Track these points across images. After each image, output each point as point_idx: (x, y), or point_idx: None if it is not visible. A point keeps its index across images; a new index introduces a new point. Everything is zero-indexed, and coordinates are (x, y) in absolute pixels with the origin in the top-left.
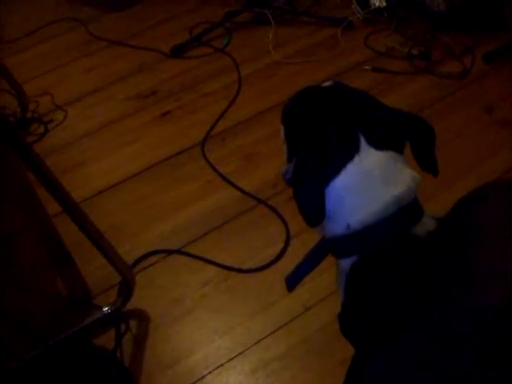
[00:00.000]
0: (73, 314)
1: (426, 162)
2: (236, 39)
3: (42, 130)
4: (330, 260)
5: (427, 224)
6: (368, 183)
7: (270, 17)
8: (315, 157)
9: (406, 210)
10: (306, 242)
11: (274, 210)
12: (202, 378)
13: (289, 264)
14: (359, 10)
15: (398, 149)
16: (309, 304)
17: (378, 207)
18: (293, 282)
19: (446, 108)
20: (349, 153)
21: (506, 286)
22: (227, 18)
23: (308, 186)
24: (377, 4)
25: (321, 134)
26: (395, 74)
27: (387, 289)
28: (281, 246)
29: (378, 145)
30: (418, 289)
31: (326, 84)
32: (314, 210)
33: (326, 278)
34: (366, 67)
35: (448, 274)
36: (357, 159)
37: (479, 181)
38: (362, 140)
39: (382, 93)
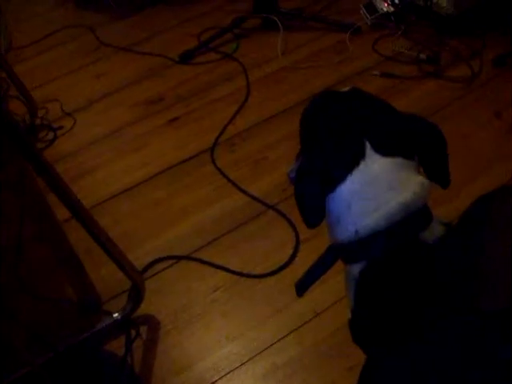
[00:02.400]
0: (83, 320)
1: (436, 173)
2: (244, 45)
3: (51, 136)
4: (341, 264)
5: (436, 230)
6: (373, 189)
7: (279, 22)
8: (319, 159)
9: (414, 217)
10: (315, 247)
11: (283, 215)
12: (213, 383)
13: (299, 269)
14: (367, 15)
15: (409, 155)
16: (319, 309)
17: (384, 213)
18: (302, 287)
19: (455, 112)
20: (354, 159)
21: None
22: (235, 24)
23: (309, 186)
24: (385, 9)
25: (327, 139)
26: (404, 79)
27: (396, 294)
28: (290, 251)
29: (385, 151)
30: (426, 294)
31: (345, 89)
32: (312, 210)
33: (337, 283)
34: (375, 72)
35: (458, 279)
36: (362, 165)
37: (488, 185)
38: (368, 147)
39: (391, 97)
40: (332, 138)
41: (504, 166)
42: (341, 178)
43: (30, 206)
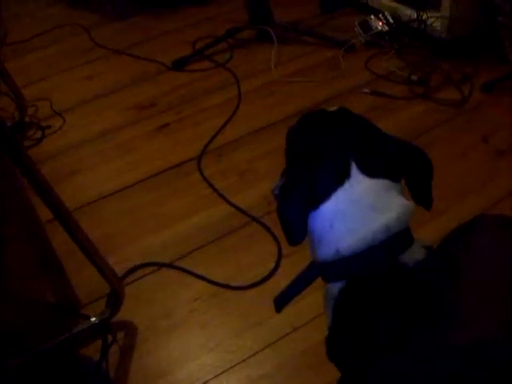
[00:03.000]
0: (60, 322)
1: (420, 195)
2: (238, 55)
3: (39, 135)
4: (321, 281)
5: (416, 253)
6: (357, 210)
7: (273, 35)
8: (304, 177)
9: (396, 238)
10: (297, 262)
11: (267, 228)
12: None
13: (279, 283)
14: (361, 32)
15: (394, 177)
16: (297, 324)
17: (366, 234)
18: (281, 303)
19: (443, 135)
20: (339, 179)
21: (491, 322)
22: (230, 34)
23: (292, 204)
24: (379, 28)
25: (313, 157)
26: (394, 99)
27: (373, 316)
28: (272, 264)
29: (370, 172)
30: (402, 318)
31: (332, 109)
32: (294, 227)
33: (316, 299)
34: (365, 90)
35: (434, 306)
36: (347, 185)
37: (473, 209)
38: (354, 167)
39: (380, 116)
40: (318, 157)
41: (490, 190)
42: (325, 196)
43: (12, 205)
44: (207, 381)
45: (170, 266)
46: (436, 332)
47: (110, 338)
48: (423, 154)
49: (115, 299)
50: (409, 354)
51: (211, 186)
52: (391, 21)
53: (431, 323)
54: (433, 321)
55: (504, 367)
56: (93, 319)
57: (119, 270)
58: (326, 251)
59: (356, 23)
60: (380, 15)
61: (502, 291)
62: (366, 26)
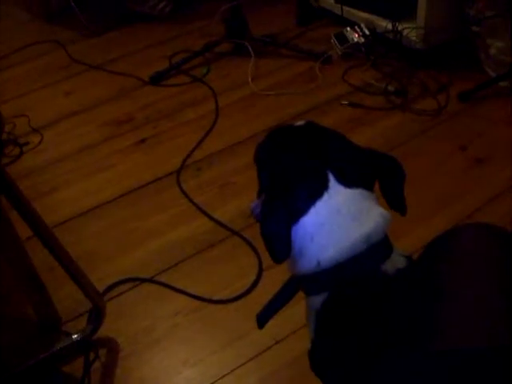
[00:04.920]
0: (42, 340)
1: (395, 201)
2: (215, 69)
3: (17, 152)
4: (301, 292)
5: (397, 261)
6: (337, 221)
7: (250, 48)
8: (283, 194)
9: (376, 247)
10: (278, 274)
11: (247, 241)
12: None
13: (260, 296)
14: (338, 44)
15: (368, 186)
16: (279, 337)
17: (347, 244)
18: (263, 318)
19: (421, 145)
20: (318, 191)
21: (473, 330)
22: (207, 48)
23: (274, 222)
24: (355, 40)
25: (289, 173)
26: (371, 110)
27: (357, 327)
28: (253, 277)
29: (347, 183)
30: (387, 328)
31: (299, 123)
32: (279, 246)
33: (297, 311)
34: (343, 102)
35: (418, 316)
36: (326, 197)
37: (453, 218)
38: (331, 178)
39: (358, 128)
40: (294, 172)
41: (468, 199)
42: (304, 210)
43: None
44: None
45: (151, 280)
46: (417, 340)
47: (92, 355)
48: (394, 161)
49: (97, 316)
50: (391, 364)
51: (190, 200)
52: (367, 32)
53: (413, 332)
54: (414, 330)
55: (484, 375)
56: (74, 336)
57: (100, 286)
58: (307, 264)
59: (332, 35)
60: (356, 27)
61: (483, 300)
62: (343, 38)
